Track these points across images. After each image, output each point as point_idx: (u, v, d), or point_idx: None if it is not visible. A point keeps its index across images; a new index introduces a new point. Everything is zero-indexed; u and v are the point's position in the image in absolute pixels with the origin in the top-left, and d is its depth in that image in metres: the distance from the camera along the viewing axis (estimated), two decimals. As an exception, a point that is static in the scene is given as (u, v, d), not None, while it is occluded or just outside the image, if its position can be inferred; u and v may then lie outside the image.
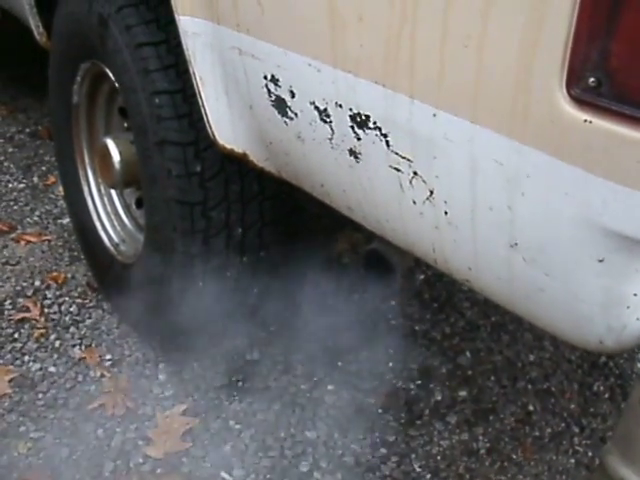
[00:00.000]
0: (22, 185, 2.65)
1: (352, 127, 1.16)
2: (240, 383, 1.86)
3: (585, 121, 0.85)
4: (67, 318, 2.05)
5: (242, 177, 1.63)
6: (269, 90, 1.30)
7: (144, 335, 1.95)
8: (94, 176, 2.03)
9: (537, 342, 2.04)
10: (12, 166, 2.77)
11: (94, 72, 1.86)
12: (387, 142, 1.10)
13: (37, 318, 2.04)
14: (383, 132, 1.10)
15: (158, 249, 1.73)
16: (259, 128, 1.41)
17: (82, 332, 2.00)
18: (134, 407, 1.78)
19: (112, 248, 1.99)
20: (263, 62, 1.29)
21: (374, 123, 1.11)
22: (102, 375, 1.87)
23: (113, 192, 2.03)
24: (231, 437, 1.72)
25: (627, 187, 0.84)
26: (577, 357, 2.02)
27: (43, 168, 2.76)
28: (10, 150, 2.88)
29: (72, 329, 2.01)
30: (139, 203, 1.97)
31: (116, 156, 1.80)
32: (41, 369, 1.88)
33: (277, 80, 1.27)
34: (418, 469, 1.68)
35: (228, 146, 1.49)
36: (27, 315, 2.05)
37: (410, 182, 1.10)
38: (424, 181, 1.07)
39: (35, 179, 2.69)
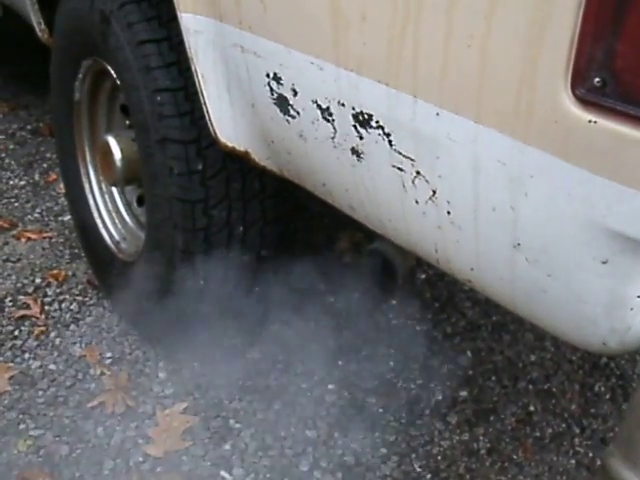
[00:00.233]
0: (23, 182, 2.65)
1: (354, 126, 1.15)
2: (240, 382, 1.85)
3: (590, 121, 0.84)
4: (67, 316, 2.04)
5: (243, 175, 1.62)
6: (271, 88, 1.30)
7: (144, 333, 1.95)
8: (95, 173, 2.03)
9: (538, 342, 2.04)
10: (13, 163, 2.77)
11: (96, 69, 1.86)
12: (390, 141, 1.10)
13: (37, 315, 2.03)
14: (386, 131, 1.10)
15: (159, 247, 1.72)
16: (261, 126, 1.41)
17: (82, 330, 2.00)
18: (134, 405, 1.78)
19: (113, 246, 1.98)
20: (265, 60, 1.28)
21: (377, 122, 1.11)
22: (102, 373, 1.87)
23: (114, 190, 2.02)
24: (231, 436, 1.72)
25: (632, 188, 0.84)
26: (578, 358, 2.01)
27: (44, 165, 2.76)
28: (11, 147, 2.88)
29: (72, 327, 2.01)
30: (140, 201, 1.96)
31: (117, 154, 1.80)
32: (41, 367, 1.88)
33: (279, 78, 1.27)
34: (418, 469, 1.68)
35: (230, 144, 1.48)
36: (27, 312, 2.04)
37: (413, 182, 1.09)
38: (427, 181, 1.07)
39: (36, 176, 2.69)
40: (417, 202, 1.10)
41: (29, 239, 2.34)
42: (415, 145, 1.06)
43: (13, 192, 2.59)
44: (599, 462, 1.72)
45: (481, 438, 1.76)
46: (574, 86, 0.85)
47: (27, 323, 2.01)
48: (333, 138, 1.21)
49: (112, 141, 1.81)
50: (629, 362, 2.01)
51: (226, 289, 1.72)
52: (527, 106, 0.90)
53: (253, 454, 1.68)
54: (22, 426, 1.72)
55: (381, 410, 1.81)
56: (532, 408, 1.85)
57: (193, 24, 1.41)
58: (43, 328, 1.99)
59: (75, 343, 1.96)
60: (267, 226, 1.70)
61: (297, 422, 1.76)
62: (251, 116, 1.41)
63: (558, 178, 0.90)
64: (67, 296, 2.11)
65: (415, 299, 2.08)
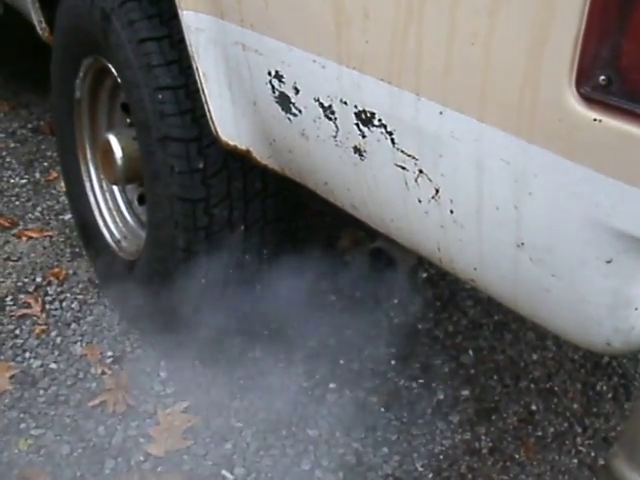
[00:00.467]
0: (24, 181, 2.64)
1: (357, 124, 1.14)
2: (241, 381, 1.85)
3: (595, 120, 0.83)
4: (68, 315, 2.04)
5: (245, 174, 1.62)
6: (273, 86, 1.29)
7: (145, 332, 1.94)
8: (96, 172, 2.02)
9: (540, 341, 2.03)
10: (14, 161, 2.76)
11: (96, 67, 1.85)
12: (392, 140, 1.09)
13: (38, 314, 2.03)
14: (388, 130, 1.09)
15: (160, 246, 1.72)
16: (262, 125, 1.40)
17: (83, 329, 1.99)
18: (135, 404, 1.78)
19: (114, 244, 1.98)
20: (267, 58, 1.27)
21: (379, 120, 1.10)
22: (103, 372, 1.86)
23: (115, 188, 2.02)
24: (232, 435, 1.72)
25: (637, 187, 0.83)
26: (580, 357, 2.01)
27: (45, 164, 2.75)
28: (12, 145, 2.87)
29: (73, 326, 2.00)
30: (141, 199, 1.96)
31: (118, 152, 1.79)
32: (42, 366, 1.88)
33: (281, 76, 1.26)
34: (420, 468, 1.68)
35: (231, 143, 1.47)
36: (28, 311, 2.04)
37: (415, 180, 1.09)
38: (430, 179, 1.06)
39: (37, 175, 2.68)
40: (420, 201, 1.10)
41: (30, 238, 2.33)
42: (418, 143, 1.06)
43: (14, 191, 2.58)
44: (601, 461, 1.72)
45: (483, 437, 1.76)
46: (579, 84, 0.84)
47: (28, 322, 2.01)
48: (335, 137, 1.20)
49: (113, 139, 1.80)
50: (631, 361, 2.01)
51: (227, 288, 1.71)
52: (531, 104, 0.89)
53: (254, 453, 1.68)
54: (23, 425, 1.71)
55: (382, 409, 1.80)
56: (534, 407, 1.85)
57: (194, 22, 1.40)
58: (44, 327, 1.99)
59: (76, 342, 1.95)
60: (268, 225, 1.69)
61: (298, 421, 1.76)
62: (252, 114, 1.41)
63: (562, 177, 0.89)
64: (68, 295, 2.10)
65: (417, 298, 2.07)
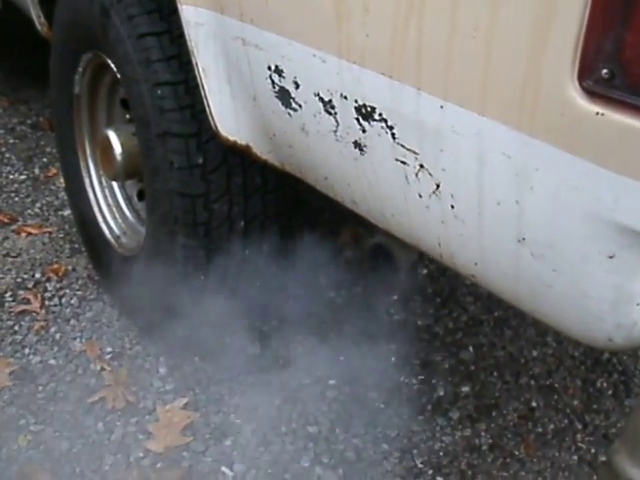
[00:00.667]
0: (23, 177, 2.64)
1: (357, 119, 1.14)
2: (241, 377, 1.84)
3: (597, 114, 0.83)
4: (68, 311, 2.04)
5: (244, 170, 1.61)
6: (273, 81, 1.29)
7: (145, 328, 1.94)
8: (95, 168, 2.02)
9: (540, 338, 2.03)
10: (13, 157, 2.75)
11: (96, 63, 1.85)
12: (393, 134, 1.09)
13: (37, 310, 2.03)
14: (389, 124, 1.09)
15: (160, 242, 1.71)
16: (262, 120, 1.39)
17: (82, 325, 1.99)
18: (134, 401, 1.77)
19: (113, 240, 1.97)
20: (267, 52, 1.27)
21: (380, 115, 1.10)
22: (102, 368, 1.86)
23: (114, 184, 2.01)
24: (232, 431, 1.71)
25: (639, 181, 0.83)
26: (580, 353, 2.01)
27: (44, 160, 2.75)
28: (11, 141, 2.87)
29: (72, 322, 2.00)
30: (141, 195, 1.95)
31: (118, 148, 1.79)
32: (41, 362, 1.87)
33: (281, 71, 1.25)
34: (420, 465, 1.67)
35: (231, 138, 1.47)
36: (27, 307, 2.03)
37: (416, 175, 1.08)
38: (430, 174, 1.06)
39: (36, 171, 2.68)
40: (420, 196, 1.09)
41: (29, 234, 2.33)
42: (419, 138, 1.05)
43: (13, 187, 2.58)
44: (601, 458, 1.72)
45: (483, 434, 1.76)
46: (581, 78, 0.83)
47: (27, 318, 2.00)
48: (335, 131, 1.20)
49: (112, 135, 1.79)
50: (631, 358, 2.01)
51: (227, 284, 1.71)
52: (533, 98, 0.89)
53: (254, 450, 1.67)
54: (22, 421, 1.71)
55: (382, 406, 1.80)
56: (534, 404, 1.84)
57: (194, 17, 1.40)
58: (43, 323, 1.99)
59: (75, 338, 1.95)
60: (268, 221, 1.69)
61: (298, 418, 1.75)
62: (252, 109, 1.40)
63: (564, 171, 0.89)
64: (67, 291, 2.10)
65: (417, 294, 2.07)
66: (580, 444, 1.76)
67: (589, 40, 0.81)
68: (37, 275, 2.15)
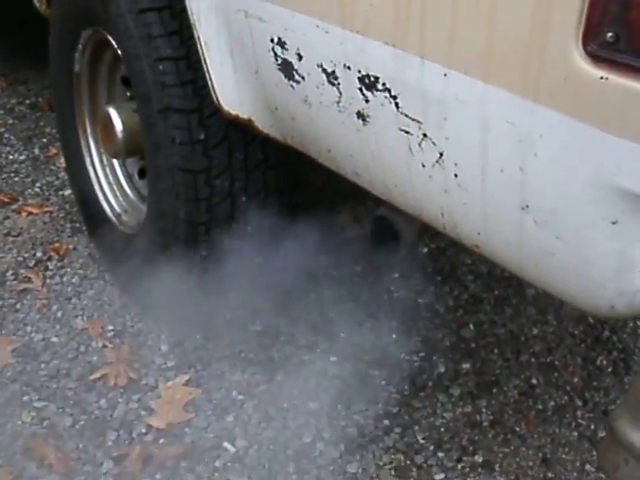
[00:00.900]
0: (23, 157, 2.64)
1: (360, 89, 1.14)
2: (243, 354, 1.85)
3: (601, 78, 0.83)
4: (69, 289, 2.04)
5: (246, 145, 1.61)
6: (275, 53, 1.28)
7: (146, 306, 1.94)
8: (96, 146, 2.01)
9: (540, 316, 2.03)
10: (13, 138, 2.75)
11: (96, 39, 1.84)
12: (396, 104, 1.09)
13: (39, 289, 2.03)
14: (392, 94, 1.09)
15: (161, 218, 1.71)
16: (265, 93, 1.39)
17: (84, 303, 1.99)
18: (137, 378, 1.78)
19: (114, 218, 1.97)
20: (270, 25, 1.26)
21: (383, 84, 1.09)
22: (104, 346, 1.86)
23: (115, 162, 2.01)
24: (234, 408, 1.72)
25: (643, 145, 0.83)
26: (580, 331, 2.01)
27: (44, 140, 2.74)
28: (10, 122, 2.86)
29: (74, 300, 2.00)
30: (142, 173, 1.95)
31: (119, 125, 1.78)
32: (43, 339, 1.88)
33: (284, 43, 1.25)
34: (421, 441, 1.68)
35: (233, 112, 1.47)
36: (29, 286, 2.04)
37: (419, 144, 1.08)
38: (434, 143, 1.06)
39: (36, 151, 2.67)
40: (424, 165, 1.09)
41: (30, 213, 2.33)
42: (422, 107, 1.05)
43: (13, 167, 2.57)
44: (601, 434, 1.73)
45: (484, 410, 1.76)
46: (586, 42, 0.83)
47: (29, 296, 2.00)
48: (338, 102, 1.20)
49: (113, 113, 1.79)
50: (631, 335, 2.01)
51: (228, 261, 1.71)
52: (537, 64, 0.89)
53: (256, 426, 1.68)
54: (26, 398, 1.71)
55: (384, 382, 1.80)
56: (534, 381, 1.85)
57: (195, -10, 1.39)
58: (45, 301, 1.99)
59: (77, 316, 1.95)
60: (269, 197, 1.69)
61: (300, 394, 1.76)
62: (255, 83, 1.40)
63: (568, 137, 0.89)
64: (68, 269, 2.10)
65: (417, 272, 2.07)
66: (580, 420, 1.77)
67: (594, 2, 0.81)
68: (38, 254, 2.15)
